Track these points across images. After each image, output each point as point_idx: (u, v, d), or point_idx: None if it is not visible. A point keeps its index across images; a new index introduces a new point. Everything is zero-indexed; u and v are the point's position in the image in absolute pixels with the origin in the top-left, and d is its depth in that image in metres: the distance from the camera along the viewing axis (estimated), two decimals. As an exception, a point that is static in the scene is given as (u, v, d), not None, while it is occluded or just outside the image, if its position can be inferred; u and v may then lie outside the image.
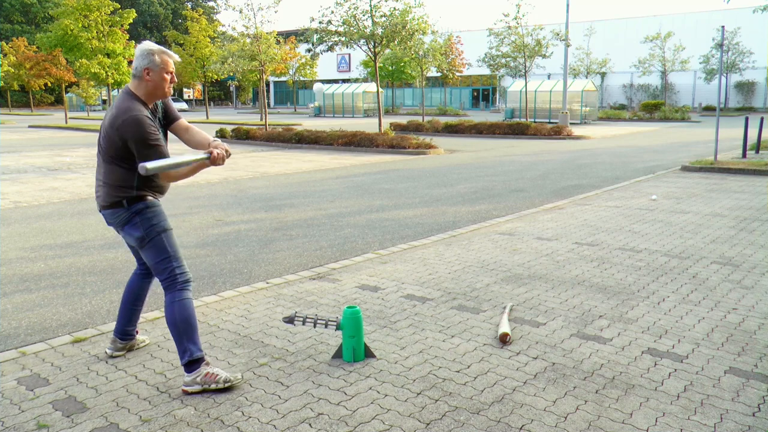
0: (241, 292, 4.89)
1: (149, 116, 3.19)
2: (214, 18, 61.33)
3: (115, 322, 3.77)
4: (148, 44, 3.27)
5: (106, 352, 3.68)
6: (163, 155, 3.14)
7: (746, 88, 54.19)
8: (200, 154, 3.17)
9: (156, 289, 4.75)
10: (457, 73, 50.51)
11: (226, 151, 3.25)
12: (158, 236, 3.28)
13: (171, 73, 3.28)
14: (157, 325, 4.16)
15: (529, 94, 34.36)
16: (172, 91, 3.34)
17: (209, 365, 3.26)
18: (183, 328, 3.23)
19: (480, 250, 6.20)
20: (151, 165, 2.95)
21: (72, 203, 9.59)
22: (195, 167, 3.20)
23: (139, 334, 3.85)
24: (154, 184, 3.35)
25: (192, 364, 3.21)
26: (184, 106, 68.44)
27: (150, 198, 3.33)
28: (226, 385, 3.21)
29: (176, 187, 10.91)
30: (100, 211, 3.36)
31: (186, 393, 3.20)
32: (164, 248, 3.29)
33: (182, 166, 3.14)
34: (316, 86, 52.47)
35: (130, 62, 35.91)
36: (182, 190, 10.83)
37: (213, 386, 3.19)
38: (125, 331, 3.66)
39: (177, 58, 3.33)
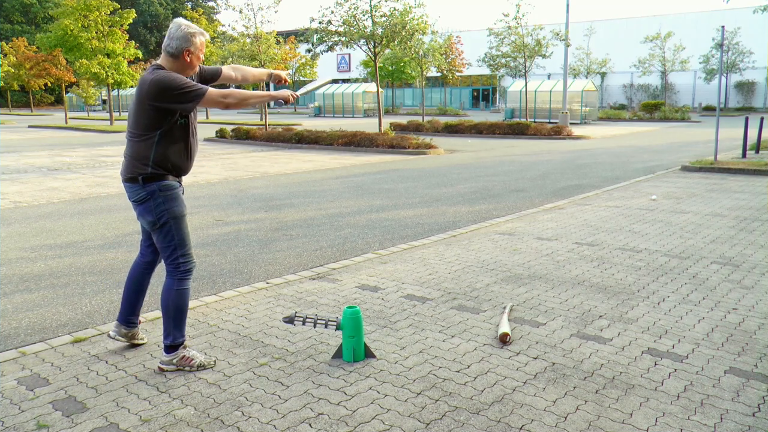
0: (241, 292, 4.89)
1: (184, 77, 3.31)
2: (214, 18, 61.27)
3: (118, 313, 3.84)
4: (187, 24, 3.37)
5: (108, 335, 3.76)
6: (203, 90, 3.25)
7: (746, 88, 54.20)
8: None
9: (155, 289, 4.76)
10: (457, 73, 50.46)
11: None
12: (168, 223, 3.38)
13: (203, 53, 3.43)
14: (157, 325, 4.15)
15: (529, 94, 34.35)
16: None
17: (186, 348, 3.49)
18: (174, 315, 3.44)
19: (480, 250, 6.20)
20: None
21: (72, 203, 9.59)
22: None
23: (140, 327, 3.86)
24: (172, 162, 3.40)
25: (172, 347, 3.44)
26: (184, 106, 68.20)
27: (168, 179, 3.38)
28: (200, 369, 3.46)
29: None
30: (123, 183, 3.47)
31: (161, 370, 3.45)
32: (171, 236, 3.40)
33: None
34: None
35: (130, 62, 35.97)
36: (182, 190, 10.82)
37: (187, 369, 3.44)
38: (128, 320, 3.75)
39: (208, 36, 3.55)
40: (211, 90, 3.31)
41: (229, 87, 3.84)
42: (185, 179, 3.81)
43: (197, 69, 3.53)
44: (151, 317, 4.32)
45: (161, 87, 3.22)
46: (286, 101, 3.52)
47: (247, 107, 3.32)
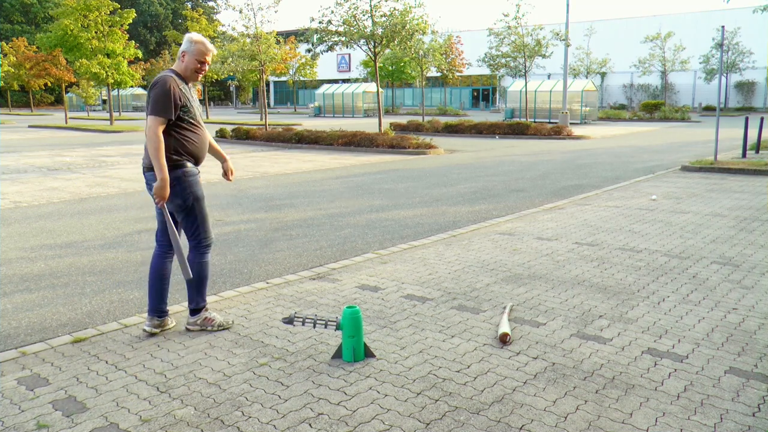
0: (241, 292, 4.89)
1: (180, 84, 3.79)
2: (214, 18, 61.21)
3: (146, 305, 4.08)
4: (192, 34, 3.93)
5: (144, 330, 4.00)
6: (160, 115, 3.66)
7: (746, 88, 54.20)
8: None
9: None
10: (457, 73, 50.48)
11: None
12: (193, 204, 3.89)
13: (203, 61, 3.86)
14: (157, 325, 4.16)
15: (529, 94, 34.36)
16: (199, 77, 3.94)
17: (208, 311, 4.09)
18: (196, 283, 3.99)
19: (480, 250, 6.20)
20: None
21: (72, 203, 9.59)
22: None
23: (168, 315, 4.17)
24: (190, 150, 3.88)
25: (196, 311, 4.01)
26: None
27: (189, 165, 3.87)
28: (220, 328, 4.02)
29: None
30: (144, 174, 3.89)
31: (188, 330, 4.01)
32: (195, 215, 3.93)
33: None
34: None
35: (130, 62, 35.94)
36: (182, 190, 10.81)
37: (209, 328, 4.01)
38: (159, 309, 4.03)
39: (213, 50, 3.96)
40: (160, 124, 3.66)
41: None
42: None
43: (196, 80, 3.95)
44: (151, 317, 4.32)
45: (162, 83, 3.73)
46: (156, 193, 3.68)
47: (150, 151, 3.68)
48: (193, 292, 4.00)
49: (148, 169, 3.81)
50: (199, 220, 3.95)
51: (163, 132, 3.74)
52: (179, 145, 3.80)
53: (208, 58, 3.88)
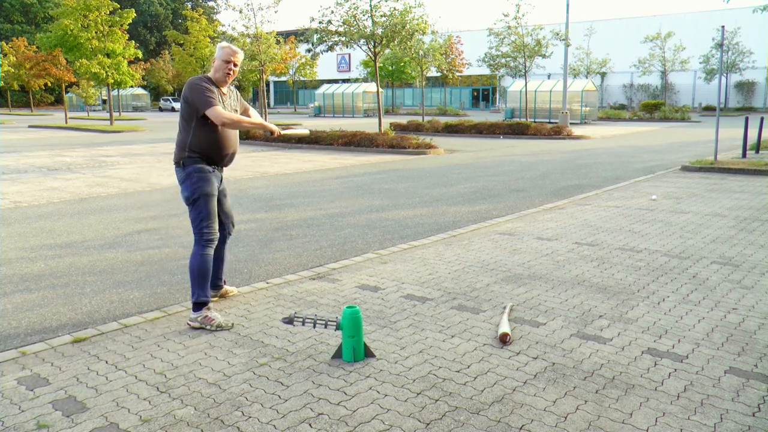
0: (241, 292, 4.88)
1: (209, 86, 4.04)
2: (214, 18, 61.18)
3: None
4: (222, 42, 4.26)
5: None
6: (210, 105, 3.97)
7: (746, 88, 54.20)
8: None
9: (155, 290, 4.75)
10: (457, 73, 50.53)
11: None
12: (199, 199, 4.11)
13: (230, 62, 4.10)
14: (157, 326, 4.16)
15: (529, 94, 34.35)
16: (228, 80, 4.18)
17: (210, 310, 4.13)
18: (197, 276, 4.13)
19: (480, 250, 6.20)
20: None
21: (72, 203, 9.59)
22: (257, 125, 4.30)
23: (227, 285, 4.74)
24: (206, 150, 4.11)
25: (198, 305, 4.10)
26: (184, 105, 68.19)
27: (202, 163, 4.11)
28: (219, 329, 4.05)
29: (176, 187, 10.90)
30: (175, 168, 4.23)
31: (189, 325, 4.09)
32: (200, 210, 4.13)
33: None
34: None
35: (130, 62, 35.95)
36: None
37: (207, 327, 4.05)
38: (215, 284, 4.55)
39: (240, 52, 4.20)
40: (219, 108, 4.00)
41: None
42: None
43: (226, 83, 4.20)
44: (151, 317, 4.32)
45: (189, 83, 4.05)
46: (272, 133, 4.35)
47: (239, 129, 4.25)
48: (194, 283, 4.13)
49: (176, 164, 4.14)
50: (203, 215, 4.13)
51: (185, 128, 4.08)
52: (196, 143, 4.08)
53: (234, 59, 4.12)
